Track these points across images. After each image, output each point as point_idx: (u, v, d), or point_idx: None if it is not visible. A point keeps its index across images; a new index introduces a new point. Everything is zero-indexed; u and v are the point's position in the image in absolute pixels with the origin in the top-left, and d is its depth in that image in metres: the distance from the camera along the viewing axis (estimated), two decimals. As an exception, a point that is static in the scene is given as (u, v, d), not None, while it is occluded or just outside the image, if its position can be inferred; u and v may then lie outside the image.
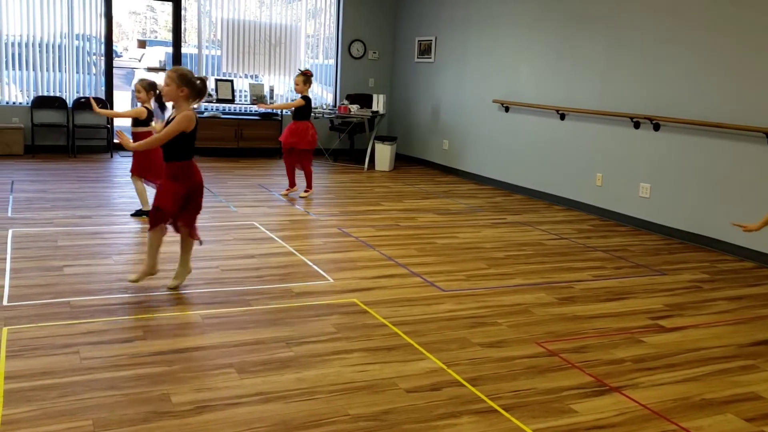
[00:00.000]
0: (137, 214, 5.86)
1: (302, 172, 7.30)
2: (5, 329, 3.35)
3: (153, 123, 5.81)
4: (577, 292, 4.58)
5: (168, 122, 3.96)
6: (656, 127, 6.47)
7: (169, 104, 4.74)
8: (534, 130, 8.07)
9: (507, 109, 8.47)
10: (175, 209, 3.95)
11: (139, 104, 5.79)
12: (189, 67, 9.96)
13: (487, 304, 4.21)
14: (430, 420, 2.76)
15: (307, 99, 7.19)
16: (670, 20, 6.33)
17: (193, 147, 3.99)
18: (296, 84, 7.22)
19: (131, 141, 4.05)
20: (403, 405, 2.86)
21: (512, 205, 7.53)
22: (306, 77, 7.18)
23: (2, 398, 2.69)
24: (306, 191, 7.27)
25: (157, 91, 5.78)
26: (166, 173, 4.02)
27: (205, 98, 9.63)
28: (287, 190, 7.30)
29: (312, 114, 9.75)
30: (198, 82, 3.90)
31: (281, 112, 10.21)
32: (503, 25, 8.49)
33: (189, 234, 4.10)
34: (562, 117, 7.62)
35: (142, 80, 5.87)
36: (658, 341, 3.76)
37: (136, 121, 5.78)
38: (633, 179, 6.75)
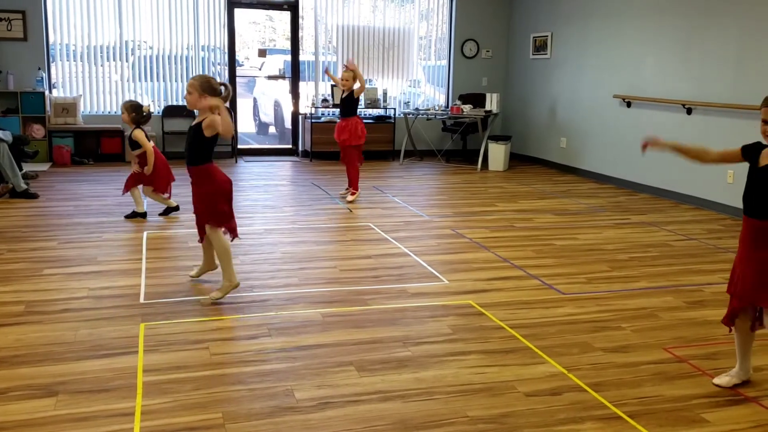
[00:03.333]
0: (133, 215, 5.98)
1: (349, 170, 7.05)
2: (143, 325, 3.59)
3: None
4: (707, 295, 4.33)
5: (193, 127, 3.94)
6: (796, 119, 6.00)
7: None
8: (658, 126, 7.70)
9: (629, 105, 8.14)
10: (201, 212, 4.00)
11: (129, 128, 5.94)
12: (307, 74, 10.30)
13: (609, 307, 4.06)
14: (551, 425, 2.69)
15: (351, 93, 6.91)
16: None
17: (212, 151, 4.00)
18: (345, 80, 6.87)
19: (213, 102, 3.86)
20: (522, 409, 2.81)
21: (636, 205, 7.23)
22: (354, 73, 6.95)
23: (141, 390, 2.88)
24: (352, 193, 7.01)
25: (144, 113, 5.93)
26: (191, 180, 4.04)
27: (321, 103, 9.94)
28: (347, 191, 7.07)
29: (419, 114, 9.86)
30: (222, 87, 3.92)
31: (394, 114, 10.32)
32: (625, 18, 8.17)
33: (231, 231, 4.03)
34: (689, 111, 7.23)
35: (126, 103, 6.00)
36: (801, 350, 3.49)
37: (135, 145, 5.91)
38: (769, 175, 6.29)
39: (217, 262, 4.13)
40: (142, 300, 3.98)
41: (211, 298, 3.94)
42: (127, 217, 5.98)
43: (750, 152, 2.90)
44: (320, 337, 3.51)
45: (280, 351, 3.32)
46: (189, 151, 3.98)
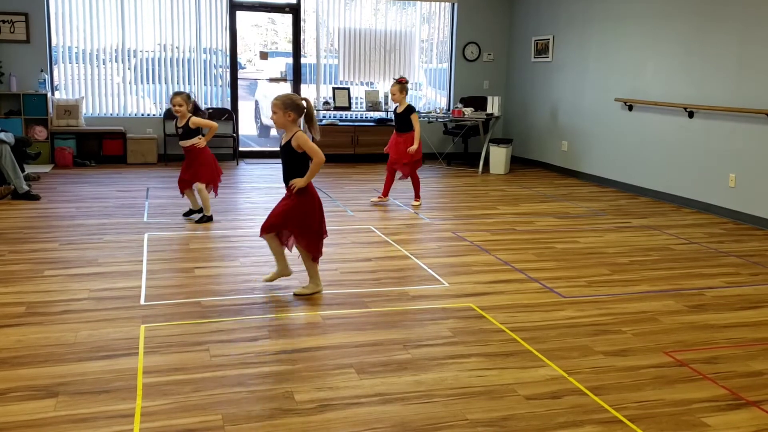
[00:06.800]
0: (204, 220, 5.92)
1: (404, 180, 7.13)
2: (143, 327, 3.59)
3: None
4: (708, 299, 4.33)
5: (284, 146, 4.02)
6: (797, 123, 6.01)
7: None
8: (660, 129, 7.71)
9: (630, 108, 8.14)
10: (283, 223, 4.07)
11: (179, 117, 5.86)
12: (309, 76, 10.32)
13: (610, 311, 4.06)
14: (551, 428, 2.69)
15: (412, 108, 6.92)
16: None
17: (307, 165, 4.07)
18: (393, 94, 6.89)
19: (299, 183, 4.00)
20: (522, 412, 2.81)
21: (637, 208, 7.22)
22: (402, 85, 6.86)
23: (141, 391, 2.88)
24: (416, 200, 7.12)
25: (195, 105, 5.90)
26: (287, 192, 4.10)
27: (323, 110, 9.96)
28: (379, 197, 7.14)
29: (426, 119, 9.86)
30: (303, 102, 3.99)
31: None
32: (627, 21, 8.17)
33: (306, 249, 4.14)
34: (691, 115, 7.22)
35: (183, 94, 5.86)
36: (801, 354, 3.48)
37: (187, 134, 5.86)
38: (771, 179, 6.30)
39: (291, 269, 4.25)
40: (142, 302, 3.98)
41: (295, 292, 4.14)
42: (199, 221, 5.92)
43: None
44: (320, 339, 3.51)
45: (280, 353, 3.32)
46: (287, 169, 4.05)
